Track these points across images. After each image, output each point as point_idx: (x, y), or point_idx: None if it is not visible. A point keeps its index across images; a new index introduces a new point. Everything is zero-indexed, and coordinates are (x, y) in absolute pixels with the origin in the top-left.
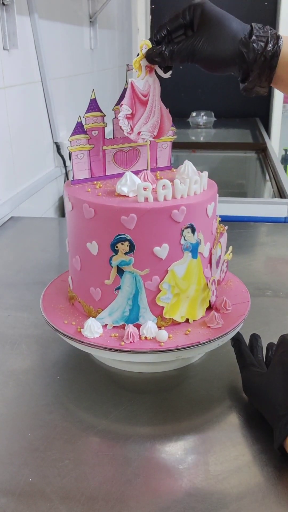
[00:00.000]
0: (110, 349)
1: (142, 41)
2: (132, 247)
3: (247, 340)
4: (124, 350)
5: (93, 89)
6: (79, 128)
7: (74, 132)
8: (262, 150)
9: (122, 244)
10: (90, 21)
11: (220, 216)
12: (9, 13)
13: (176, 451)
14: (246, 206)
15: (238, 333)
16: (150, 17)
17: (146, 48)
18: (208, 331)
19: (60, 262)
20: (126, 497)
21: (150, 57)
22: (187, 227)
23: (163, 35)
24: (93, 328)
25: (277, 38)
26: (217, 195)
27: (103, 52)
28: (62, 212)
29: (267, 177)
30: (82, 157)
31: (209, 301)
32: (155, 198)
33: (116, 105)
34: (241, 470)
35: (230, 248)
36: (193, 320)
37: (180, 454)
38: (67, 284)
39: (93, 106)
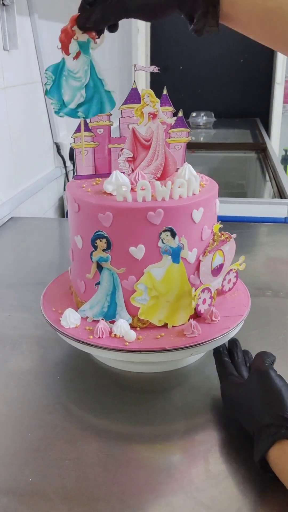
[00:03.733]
0: (78, 341)
1: (144, 90)
2: (109, 245)
3: (242, 342)
4: (90, 344)
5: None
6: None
7: (78, 129)
8: (262, 150)
9: (100, 240)
10: None
11: (220, 217)
12: (9, 13)
13: (176, 451)
14: (246, 206)
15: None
16: None
17: (148, 97)
18: (181, 339)
19: (60, 262)
20: (127, 497)
21: (82, 26)
22: (165, 230)
23: None
24: (69, 319)
25: None
26: (216, 201)
27: (103, 53)
28: (62, 212)
29: (267, 177)
30: (86, 154)
31: (195, 308)
32: (136, 199)
33: (122, 104)
34: (241, 469)
35: (242, 258)
36: (172, 326)
37: (180, 454)
38: (68, 280)
39: None
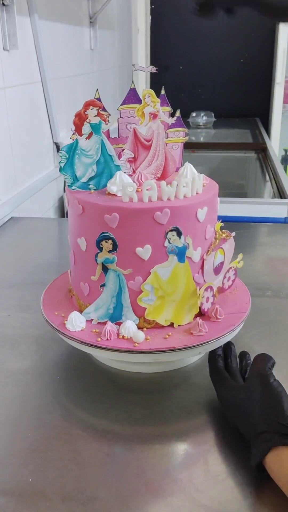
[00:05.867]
0: (86, 344)
1: (145, 90)
2: (115, 246)
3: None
4: (99, 346)
5: (97, 89)
6: None
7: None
8: (262, 150)
9: (106, 242)
10: (90, 22)
11: (220, 217)
12: (9, 14)
13: (176, 451)
14: (246, 207)
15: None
16: (150, 17)
17: (149, 97)
18: (189, 337)
19: (60, 262)
20: (126, 497)
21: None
22: (171, 230)
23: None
24: (75, 322)
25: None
26: (217, 199)
27: (103, 53)
28: (62, 212)
29: (267, 177)
30: None
31: (199, 307)
32: (141, 199)
33: (121, 105)
34: (241, 470)
35: (240, 255)
36: (178, 325)
37: (180, 454)
38: (68, 281)
39: None
